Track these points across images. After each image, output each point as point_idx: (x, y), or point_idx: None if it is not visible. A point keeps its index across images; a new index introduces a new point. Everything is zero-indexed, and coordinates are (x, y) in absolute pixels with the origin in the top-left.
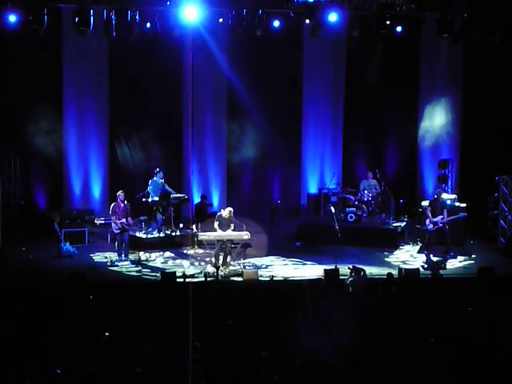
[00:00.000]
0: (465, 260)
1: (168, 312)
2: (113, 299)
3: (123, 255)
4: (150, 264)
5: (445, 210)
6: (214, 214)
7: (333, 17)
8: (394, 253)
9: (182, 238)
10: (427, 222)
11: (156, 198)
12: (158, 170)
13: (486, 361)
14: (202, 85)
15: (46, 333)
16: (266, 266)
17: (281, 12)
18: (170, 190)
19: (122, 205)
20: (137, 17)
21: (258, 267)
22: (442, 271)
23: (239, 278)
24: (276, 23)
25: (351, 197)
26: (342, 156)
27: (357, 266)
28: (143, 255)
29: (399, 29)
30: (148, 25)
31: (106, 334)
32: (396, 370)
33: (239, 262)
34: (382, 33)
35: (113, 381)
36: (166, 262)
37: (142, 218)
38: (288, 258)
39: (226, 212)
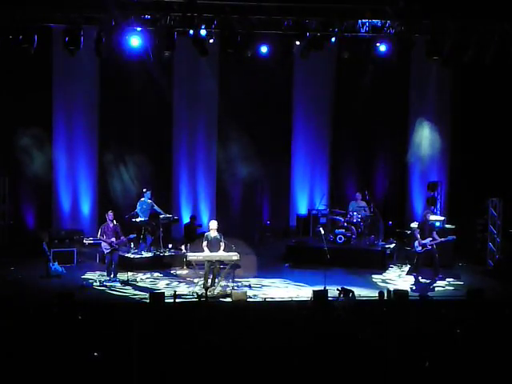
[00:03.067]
0: (453, 282)
1: (157, 332)
2: (101, 319)
3: (112, 275)
4: (139, 284)
5: (434, 232)
6: (203, 234)
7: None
8: (383, 274)
9: (171, 258)
10: (416, 243)
11: (145, 219)
12: (145, 190)
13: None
14: (192, 105)
15: (34, 352)
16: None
17: (271, 34)
18: (158, 210)
19: (112, 225)
20: (127, 36)
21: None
22: (430, 293)
23: (228, 299)
24: (264, 49)
25: (340, 218)
26: (330, 177)
27: (345, 287)
28: (132, 275)
29: (389, 51)
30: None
31: (95, 353)
32: None
33: (228, 283)
34: (372, 54)
35: None
36: (154, 283)
37: (131, 236)
38: (277, 278)
39: (211, 224)
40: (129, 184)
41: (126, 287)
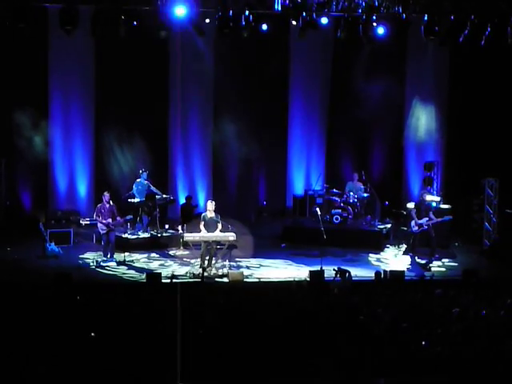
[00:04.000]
0: (449, 262)
1: (154, 313)
2: (99, 300)
3: (109, 255)
4: (136, 265)
5: (430, 212)
6: (200, 215)
7: (323, 20)
8: (379, 254)
9: (168, 238)
10: (412, 223)
11: (141, 199)
12: (142, 170)
13: (471, 360)
14: (188, 85)
15: (32, 333)
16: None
17: (268, 13)
18: (155, 190)
19: (108, 205)
20: (123, 16)
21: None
22: (426, 273)
23: (225, 279)
24: (264, 26)
25: (337, 198)
26: (327, 157)
27: (342, 267)
28: (129, 256)
29: (385, 31)
30: (135, 23)
31: (92, 334)
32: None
33: (225, 263)
34: (369, 35)
35: (97, 379)
36: (151, 263)
37: (128, 217)
38: (273, 259)
39: (208, 205)
40: (125, 164)
41: (123, 267)
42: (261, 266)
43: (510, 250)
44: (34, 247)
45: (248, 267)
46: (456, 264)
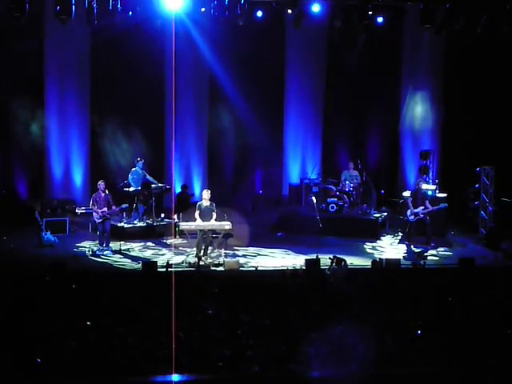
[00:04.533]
0: (445, 251)
1: (149, 301)
2: (94, 288)
3: (104, 244)
4: (132, 254)
5: (427, 201)
6: (196, 204)
7: (315, 7)
8: (375, 243)
9: (164, 227)
10: (408, 212)
11: (137, 188)
12: (138, 159)
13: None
14: (183, 73)
15: (27, 321)
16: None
17: (263, 2)
18: (151, 179)
19: (103, 194)
20: (119, 5)
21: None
22: (422, 261)
23: (221, 268)
24: (259, 13)
25: (332, 187)
26: (323, 146)
27: (337, 255)
28: (124, 245)
29: (381, 19)
30: (130, 13)
31: (88, 323)
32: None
33: (221, 251)
34: (364, 23)
35: (93, 369)
36: (147, 252)
37: (123, 206)
38: (269, 247)
39: (204, 194)
40: (120, 153)
41: (119, 256)
42: (258, 254)
43: (506, 238)
44: (30, 236)
45: (245, 256)
46: (451, 253)
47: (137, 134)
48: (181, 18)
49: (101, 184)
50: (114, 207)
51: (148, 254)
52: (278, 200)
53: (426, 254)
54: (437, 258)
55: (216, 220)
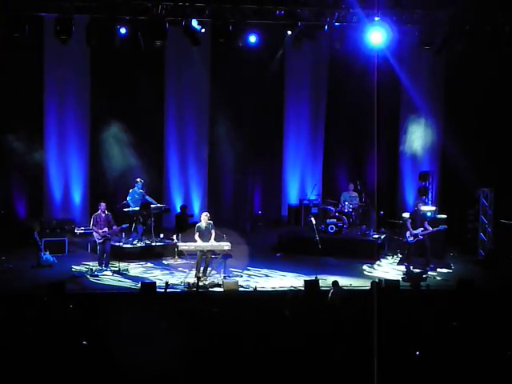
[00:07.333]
0: (444, 272)
1: (147, 322)
2: (92, 309)
3: (104, 265)
4: (131, 274)
5: (426, 222)
6: (195, 225)
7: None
8: (375, 264)
9: (163, 248)
10: (407, 233)
11: (136, 208)
12: (138, 179)
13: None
14: (183, 95)
15: (25, 341)
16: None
17: (263, 23)
18: (150, 199)
19: (104, 215)
20: (120, 29)
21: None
22: (421, 283)
23: (219, 289)
24: (253, 38)
25: (332, 208)
26: (322, 167)
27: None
28: (123, 265)
29: (381, 41)
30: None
31: (84, 342)
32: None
33: (220, 272)
34: (364, 44)
35: None
36: (146, 273)
37: (124, 225)
38: (268, 268)
39: (203, 217)
40: (120, 173)
41: (118, 277)
42: (256, 275)
43: (505, 260)
44: (29, 256)
45: (242, 276)
46: (451, 274)
47: (136, 154)
48: (181, 38)
49: (101, 205)
50: (114, 227)
51: (147, 274)
52: (277, 221)
53: (425, 275)
54: (436, 280)
55: (214, 239)
